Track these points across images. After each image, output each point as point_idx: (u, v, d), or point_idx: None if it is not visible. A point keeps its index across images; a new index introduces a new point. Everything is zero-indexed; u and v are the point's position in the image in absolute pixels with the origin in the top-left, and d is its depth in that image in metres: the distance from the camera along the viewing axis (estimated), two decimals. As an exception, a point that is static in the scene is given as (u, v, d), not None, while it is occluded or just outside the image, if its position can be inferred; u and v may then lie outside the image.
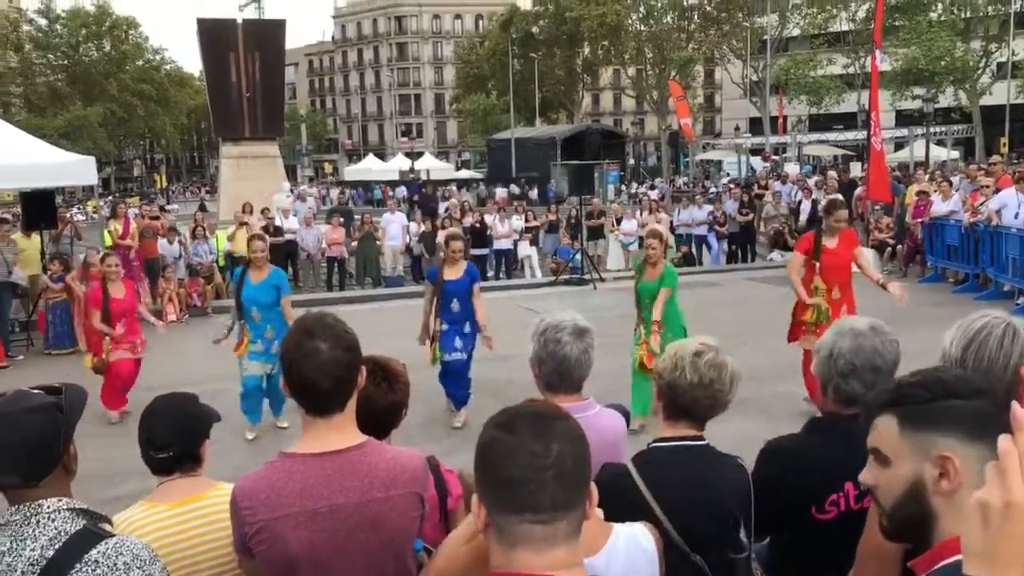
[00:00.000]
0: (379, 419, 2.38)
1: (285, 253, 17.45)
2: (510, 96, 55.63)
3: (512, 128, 51.05)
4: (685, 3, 55.01)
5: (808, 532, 2.46)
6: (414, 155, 58.40)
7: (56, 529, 1.83)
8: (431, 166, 56.41)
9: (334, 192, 40.29)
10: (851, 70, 50.98)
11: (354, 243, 18.48)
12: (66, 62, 71.17)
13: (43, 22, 71.38)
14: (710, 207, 19.86)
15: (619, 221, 19.52)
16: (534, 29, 58.98)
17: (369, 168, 58.40)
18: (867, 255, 7.98)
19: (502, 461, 1.41)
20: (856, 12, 48.82)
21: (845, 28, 50.61)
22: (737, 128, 55.75)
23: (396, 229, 18.68)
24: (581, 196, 18.13)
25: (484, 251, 18.70)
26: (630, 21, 55.70)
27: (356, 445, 2.10)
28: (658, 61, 56.11)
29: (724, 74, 61.75)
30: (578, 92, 65.35)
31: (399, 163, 57.62)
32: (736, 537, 2.42)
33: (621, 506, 2.16)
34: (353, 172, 60.40)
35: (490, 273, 18.88)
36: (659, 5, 55.38)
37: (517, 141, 46.09)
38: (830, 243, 7.49)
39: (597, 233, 19.17)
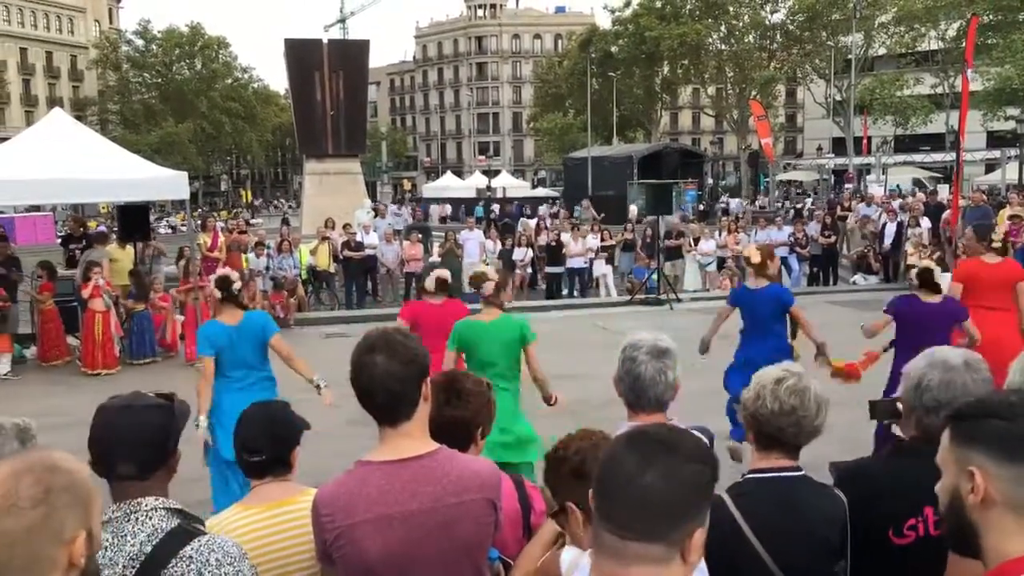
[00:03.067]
0: (444, 433, 2.39)
1: (365, 268, 17.79)
2: (587, 115, 55.65)
3: (589, 147, 51.02)
4: (767, 22, 54.35)
5: (885, 557, 2.41)
6: (491, 173, 58.88)
7: (153, 526, 1.92)
8: (507, 184, 56.77)
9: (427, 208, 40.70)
10: (939, 90, 49.60)
11: (431, 258, 18.72)
12: (160, 80, 74.05)
13: (140, 42, 74.48)
14: (790, 228, 19.50)
15: (697, 241, 19.31)
16: (613, 48, 58.89)
17: (447, 186, 59.03)
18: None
19: (606, 469, 1.48)
20: (946, 31, 47.50)
21: (934, 47, 49.29)
22: (819, 148, 54.68)
23: (473, 247, 18.85)
24: (658, 215, 17.99)
25: (559, 269, 18.72)
26: (711, 40, 55.24)
27: (428, 452, 2.17)
28: (739, 80, 55.48)
29: (806, 93, 60.70)
30: (656, 111, 64.99)
31: (476, 181, 58.15)
32: (833, 568, 2.39)
33: (718, 537, 2.15)
34: (431, 189, 61.19)
35: (564, 291, 18.88)
36: (740, 24, 54.83)
37: (594, 160, 45.97)
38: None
39: (675, 253, 19.00)
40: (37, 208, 38.53)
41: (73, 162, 11.51)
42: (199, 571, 1.83)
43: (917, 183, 45.03)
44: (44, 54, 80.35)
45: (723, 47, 56.05)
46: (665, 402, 2.76)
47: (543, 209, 23.01)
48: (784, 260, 19.19)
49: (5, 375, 11.11)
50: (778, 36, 54.67)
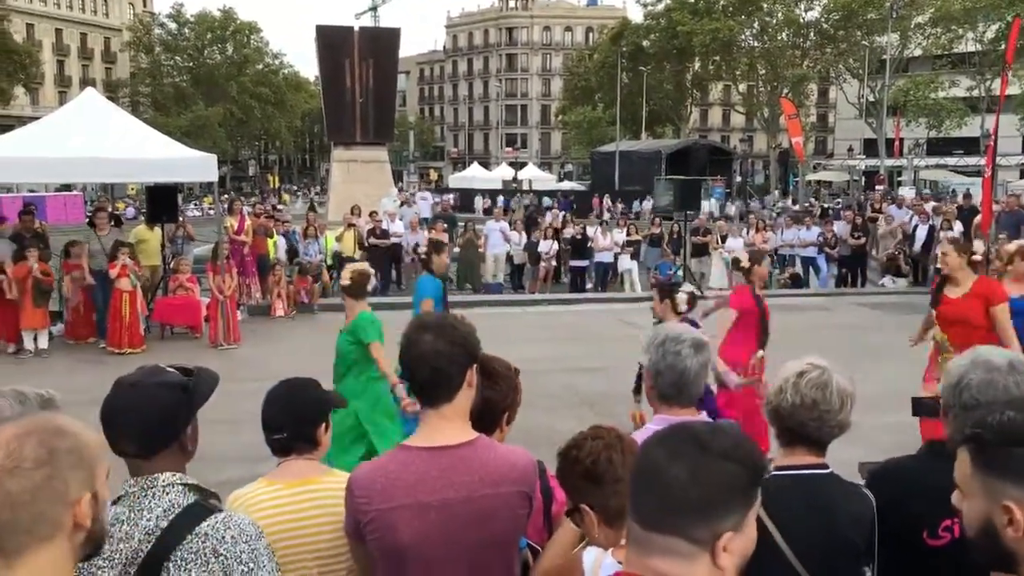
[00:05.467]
0: (491, 415, 2.40)
1: (390, 256, 17.82)
2: (617, 109, 55.43)
3: (617, 141, 50.86)
4: (801, 20, 53.83)
5: (919, 558, 2.37)
6: (518, 165, 58.86)
7: (170, 502, 1.92)
8: (534, 176, 56.71)
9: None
10: (975, 93, 48.91)
11: (456, 249, 18.72)
12: (191, 64, 74.68)
13: (173, 26, 75.10)
14: (819, 228, 19.31)
15: (724, 238, 19.17)
16: (644, 43, 58.63)
17: (473, 176, 59.10)
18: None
19: (637, 460, 1.49)
20: (984, 33, 46.80)
21: (971, 49, 48.59)
22: (850, 149, 54.13)
23: (497, 237, 18.82)
24: (686, 211, 17.88)
25: (584, 263, 18.65)
26: (743, 37, 54.81)
27: (468, 441, 2.17)
28: (770, 78, 55.03)
29: (839, 93, 60.06)
30: (686, 107, 64.69)
31: (502, 172, 58.15)
32: (859, 569, 2.35)
33: None
34: (457, 180, 61.28)
35: (589, 285, 18.82)
36: (774, 22, 54.34)
37: (621, 154, 45.87)
38: (952, 292, 6.19)
39: (701, 250, 18.88)
40: (68, 187, 39.04)
41: (104, 142, 11.62)
42: (214, 548, 1.83)
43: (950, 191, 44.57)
44: (79, 35, 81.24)
45: (756, 44, 55.59)
46: (699, 396, 2.74)
47: (550, 216, 22.94)
48: (812, 260, 19.02)
49: (41, 351, 11.25)
50: (812, 34, 54.13)
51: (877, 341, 10.96)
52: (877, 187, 36.96)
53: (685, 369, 2.66)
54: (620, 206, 37.09)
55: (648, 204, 30.17)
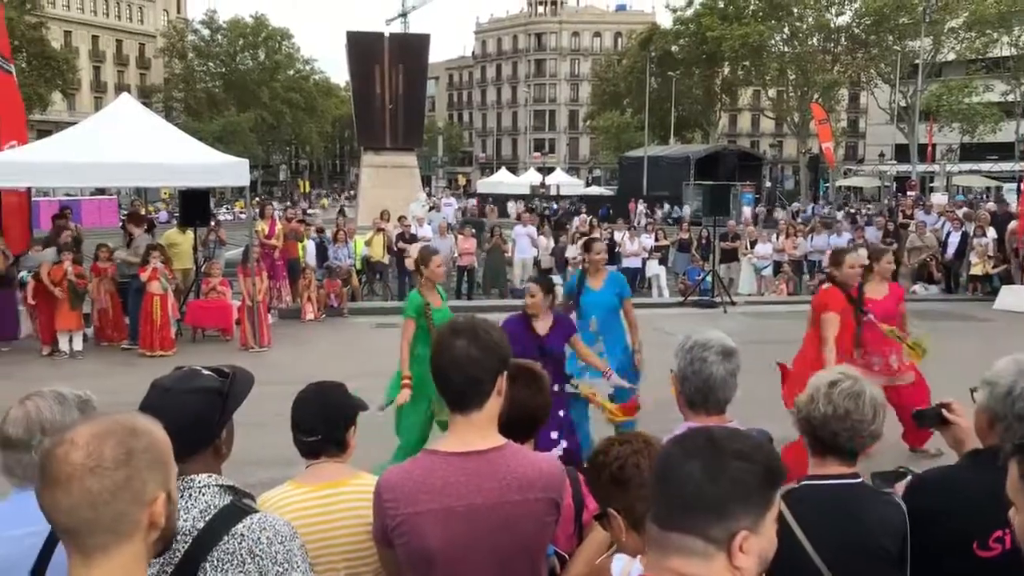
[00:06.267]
0: (531, 420, 2.44)
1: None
2: (645, 114, 55.26)
3: (646, 146, 50.69)
4: (832, 25, 53.34)
5: (970, 570, 2.34)
6: (545, 170, 58.86)
7: (206, 503, 1.94)
8: (561, 181, 56.67)
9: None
10: (1010, 97, 48.19)
11: (484, 253, 18.78)
12: (224, 70, 75.44)
13: (206, 32, 75.97)
14: (850, 234, 19.13)
15: (753, 244, 19.05)
16: (673, 48, 58.39)
17: (501, 181, 59.19)
18: None
19: (655, 463, 1.52)
20: (1020, 36, 46.12)
21: (1006, 53, 47.90)
22: (882, 155, 53.59)
23: (525, 242, 18.84)
24: (715, 217, 17.79)
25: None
26: (773, 42, 54.40)
27: (496, 447, 2.16)
28: (801, 83, 54.54)
29: (870, 98, 59.44)
30: (715, 112, 64.31)
31: (530, 177, 58.17)
32: None
33: None
34: (486, 185, 61.37)
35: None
36: (804, 26, 53.86)
37: (650, 159, 45.70)
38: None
39: (730, 255, 18.77)
40: (102, 191, 39.60)
41: (139, 147, 11.77)
42: (250, 549, 1.85)
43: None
44: (114, 42, 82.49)
45: (786, 49, 55.13)
46: (727, 403, 2.73)
47: (578, 220, 22.92)
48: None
49: (75, 353, 11.43)
50: (843, 39, 53.61)
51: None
52: (908, 193, 36.57)
53: (710, 376, 2.66)
54: (659, 212, 36.89)
55: (687, 209, 29.93)
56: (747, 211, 33.38)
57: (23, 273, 12.13)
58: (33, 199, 14.62)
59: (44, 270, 11.42)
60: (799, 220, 26.87)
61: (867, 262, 6.85)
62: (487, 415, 2.17)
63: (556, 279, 5.83)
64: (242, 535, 1.86)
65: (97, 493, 1.43)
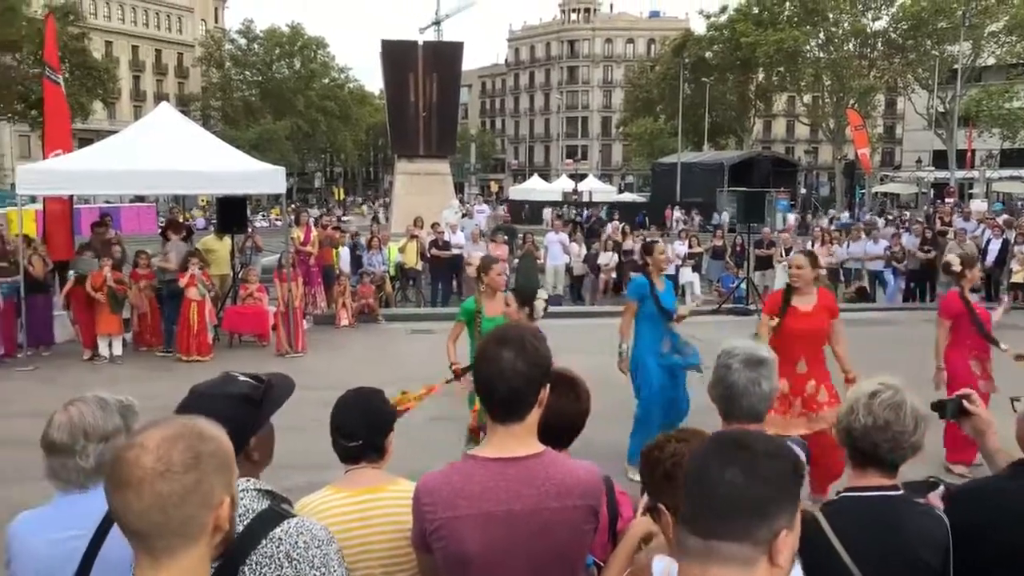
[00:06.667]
0: (569, 428, 2.44)
1: (451, 267, 17.96)
2: (678, 120, 55.05)
3: (679, 152, 50.45)
4: (868, 30, 52.77)
5: None
6: (578, 176, 58.78)
7: (244, 507, 1.95)
8: (594, 188, 56.54)
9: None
10: (1053, 102, 47.36)
11: (516, 260, 18.78)
12: (260, 79, 76.44)
13: (243, 42, 77.01)
14: (887, 241, 18.88)
15: (788, 250, 18.86)
16: (707, 54, 58.14)
17: (533, 188, 59.19)
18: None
19: (688, 472, 1.50)
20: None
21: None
22: (919, 161, 52.88)
23: (557, 249, 18.83)
24: (750, 224, 17.63)
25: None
26: (808, 47, 53.93)
27: (535, 454, 2.16)
28: (836, 89, 54.01)
29: (907, 104, 58.70)
30: (749, 118, 63.88)
31: (562, 184, 58.10)
32: None
33: (811, 558, 2.08)
34: (518, 192, 61.40)
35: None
36: (840, 32, 53.35)
37: (683, 166, 45.47)
38: (803, 304, 6.12)
39: (765, 263, 18.60)
40: (141, 199, 40.24)
41: (178, 155, 11.95)
42: (288, 553, 1.86)
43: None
44: (154, 52, 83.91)
45: (821, 55, 54.64)
46: (759, 412, 2.71)
47: (611, 227, 22.85)
48: (879, 274, 18.60)
49: (115, 357, 11.62)
50: (879, 44, 53.05)
51: (948, 358, 10.65)
52: (947, 199, 36.04)
53: (732, 383, 2.67)
54: (698, 218, 36.58)
55: (725, 216, 29.64)
56: (791, 218, 33.00)
57: (69, 274, 12.38)
58: (74, 206, 14.89)
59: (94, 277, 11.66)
60: (833, 227, 26.52)
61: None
62: (527, 425, 2.17)
63: (542, 293, 5.78)
64: (280, 539, 1.87)
65: (167, 496, 1.45)
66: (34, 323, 11.67)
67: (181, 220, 16.68)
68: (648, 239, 10.80)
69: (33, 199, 15.15)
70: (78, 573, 2.11)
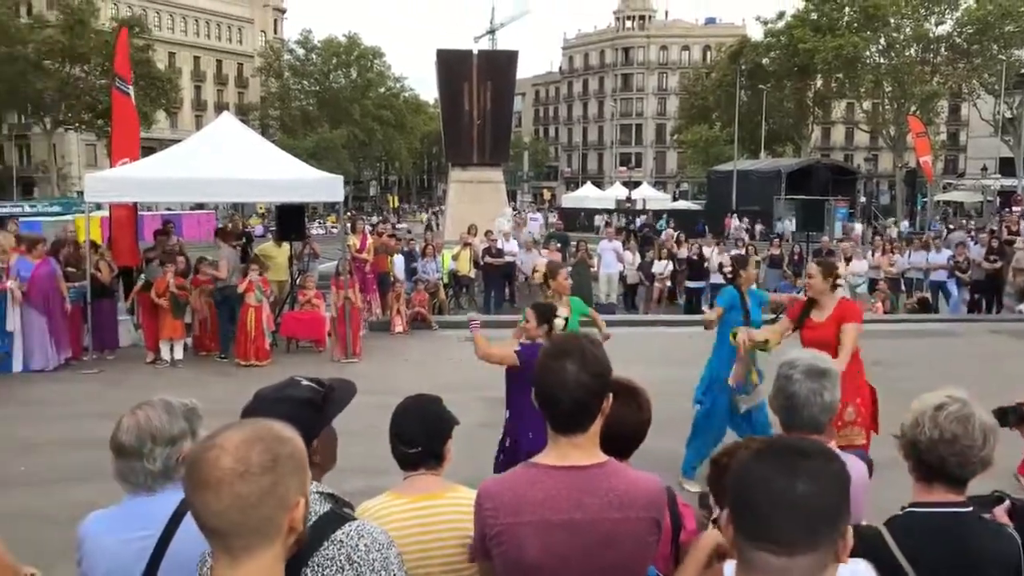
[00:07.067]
0: (631, 437, 2.43)
1: (504, 274, 18.01)
2: (735, 127, 54.44)
3: (735, 160, 49.93)
4: (932, 35, 51.60)
5: None
6: (631, 184, 58.53)
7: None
8: (648, 195, 56.25)
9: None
10: None
11: (569, 268, 18.74)
12: (318, 88, 77.60)
13: (301, 52, 78.29)
14: (949, 251, 18.42)
15: (848, 260, 18.53)
16: (764, 60, 57.43)
17: (586, 196, 59.12)
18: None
19: (747, 488, 1.45)
20: None
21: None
22: (984, 168, 51.57)
23: (611, 257, 18.74)
24: (808, 233, 17.38)
25: (701, 284, 18.33)
26: (868, 53, 52.92)
27: (598, 463, 2.14)
28: (897, 95, 52.90)
29: (971, 110, 57.26)
30: (807, 125, 62.89)
31: (616, 192, 57.93)
32: None
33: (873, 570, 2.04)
34: (570, 199, 61.39)
35: (705, 307, 18.48)
36: (902, 37, 52.25)
37: (739, 173, 44.96)
38: (817, 315, 6.04)
39: (824, 272, 18.27)
40: (201, 206, 41.13)
41: (238, 163, 12.16)
42: (348, 555, 1.88)
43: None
44: (215, 62, 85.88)
45: (882, 60, 53.57)
46: (821, 424, 2.67)
47: (665, 235, 22.70)
48: (943, 285, 18.15)
49: (176, 361, 11.89)
50: (943, 49, 51.83)
51: (1015, 370, 10.36)
52: (1014, 208, 35.05)
53: (793, 394, 2.65)
54: (759, 227, 36.12)
55: (788, 224, 29.10)
56: (857, 227, 32.31)
57: (140, 277, 12.70)
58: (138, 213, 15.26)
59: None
60: (896, 236, 25.98)
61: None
62: (590, 435, 2.15)
63: (562, 310, 5.70)
64: (341, 541, 1.89)
65: (246, 497, 1.48)
66: (100, 327, 11.98)
67: (241, 227, 17.02)
68: (739, 252, 10.75)
69: (99, 206, 15.55)
70: (146, 572, 2.17)
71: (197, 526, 1.54)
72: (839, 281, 6.33)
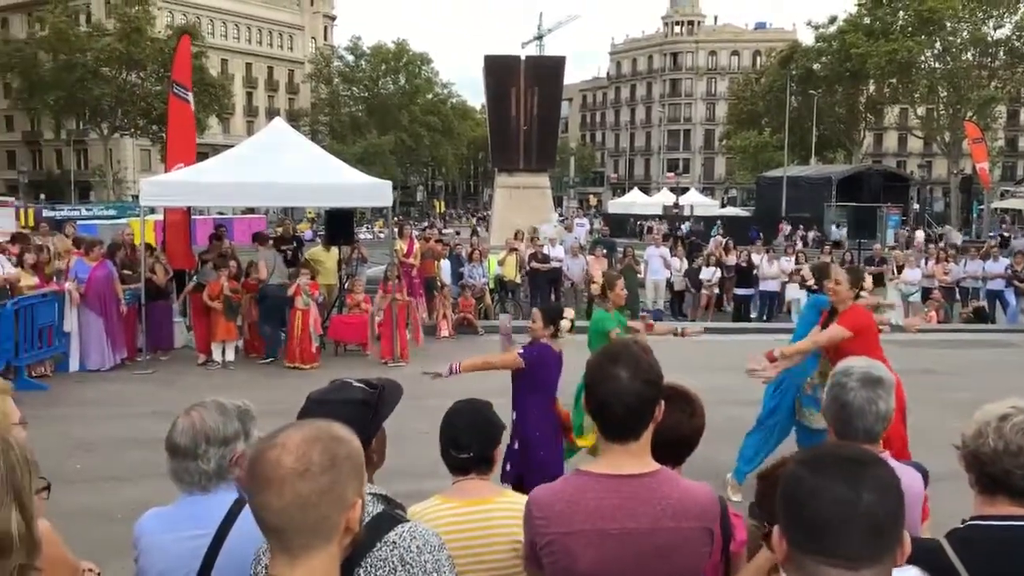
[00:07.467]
0: (684, 444, 2.41)
1: (550, 280, 17.98)
2: (785, 133, 53.73)
3: (785, 166, 49.27)
4: (989, 39, 50.43)
5: None
6: (679, 190, 58.10)
7: None
8: (695, 201, 55.76)
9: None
10: None
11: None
12: (367, 94, 78.43)
13: (350, 58, 79.24)
14: (1007, 260, 17.97)
15: (901, 269, 18.16)
16: (815, 65, 56.61)
17: (633, 202, 58.79)
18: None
19: (806, 501, 1.41)
20: None
21: None
22: (1044, 175, 50.16)
23: (658, 263, 18.62)
24: (859, 240, 17.08)
25: (750, 291, 18.13)
26: (923, 58, 51.88)
27: (650, 472, 2.11)
28: (953, 100, 51.75)
29: (1031, 115, 55.87)
30: (859, 131, 61.84)
31: (663, 198, 57.51)
32: None
33: None
34: (617, 205, 61.11)
35: (753, 315, 18.28)
36: (958, 41, 51.12)
37: (789, 179, 44.34)
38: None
39: (876, 281, 17.94)
40: (252, 210, 41.76)
41: (289, 168, 12.34)
42: (401, 556, 1.89)
43: None
44: (266, 69, 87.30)
45: (937, 65, 52.45)
46: (876, 433, 2.62)
47: (713, 243, 22.46)
48: (1000, 294, 17.70)
49: (227, 363, 12.07)
50: (1001, 53, 50.62)
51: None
52: None
53: (847, 403, 2.59)
54: (812, 234, 35.53)
55: (843, 231, 28.57)
56: (919, 235, 31.58)
57: (193, 278, 12.93)
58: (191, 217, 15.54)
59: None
60: (949, 245, 25.37)
61: None
62: (643, 443, 2.13)
63: (568, 312, 5.70)
64: (394, 543, 1.90)
65: (306, 496, 1.50)
66: (154, 328, 12.22)
67: (292, 231, 17.25)
68: (818, 261, 10.52)
69: (153, 210, 15.89)
70: (201, 570, 2.20)
71: (256, 524, 1.56)
72: (863, 292, 6.23)
